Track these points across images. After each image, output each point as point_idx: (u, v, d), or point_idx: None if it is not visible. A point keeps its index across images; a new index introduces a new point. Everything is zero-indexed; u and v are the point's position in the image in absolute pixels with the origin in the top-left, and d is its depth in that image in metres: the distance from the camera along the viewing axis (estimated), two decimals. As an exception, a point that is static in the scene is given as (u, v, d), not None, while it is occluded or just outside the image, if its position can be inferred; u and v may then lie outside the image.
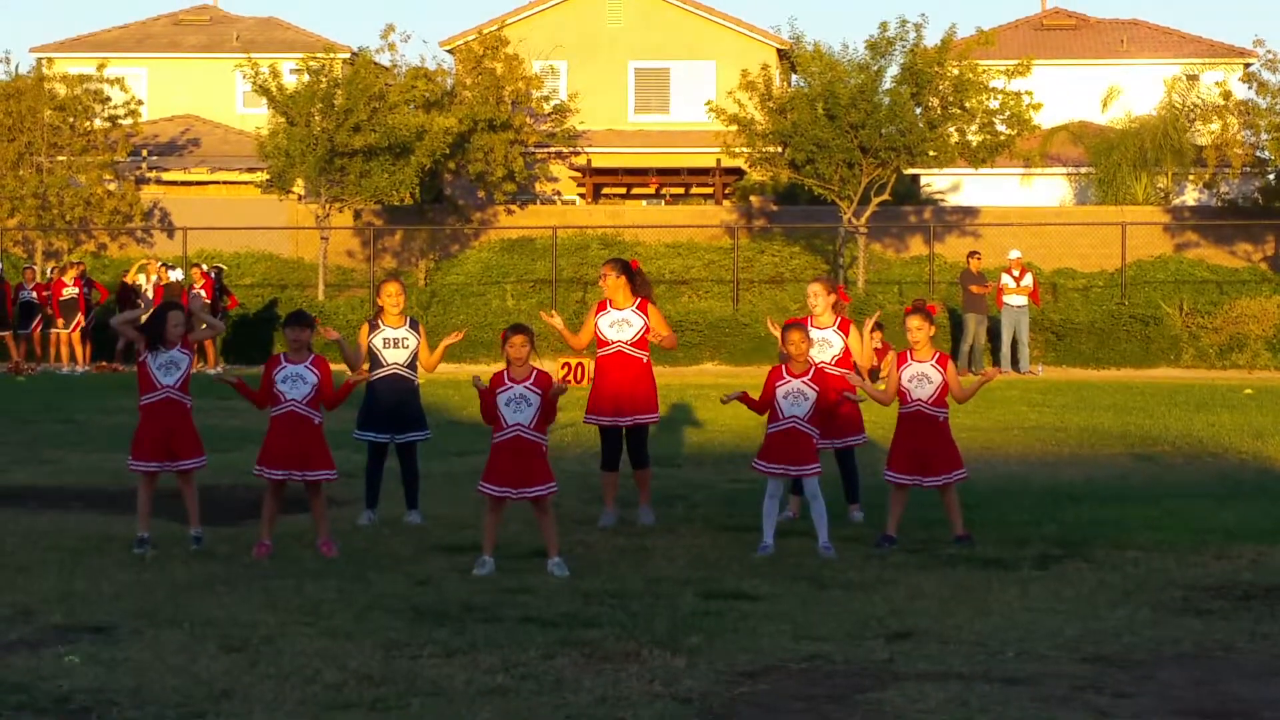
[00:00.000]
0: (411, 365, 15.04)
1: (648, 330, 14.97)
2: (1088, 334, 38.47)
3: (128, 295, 36.21)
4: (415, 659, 9.54)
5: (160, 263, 38.34)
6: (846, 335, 14.99)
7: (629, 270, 15.10)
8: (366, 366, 15.02)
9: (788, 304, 38.77)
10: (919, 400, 13.80)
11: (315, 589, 11.66)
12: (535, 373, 12.59)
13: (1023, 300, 36.60)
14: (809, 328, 14.44)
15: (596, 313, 15.08)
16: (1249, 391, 29.76)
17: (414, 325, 15.09)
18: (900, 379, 13.88)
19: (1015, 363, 36.50)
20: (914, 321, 13.99)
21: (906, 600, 11.39)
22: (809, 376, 13.41)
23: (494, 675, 9.16)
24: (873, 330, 32.48)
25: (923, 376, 13.81)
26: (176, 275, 36.89)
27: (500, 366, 12.72)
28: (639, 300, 15.01)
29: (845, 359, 14.89)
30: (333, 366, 14.02)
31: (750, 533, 13.80)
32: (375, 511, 15.06)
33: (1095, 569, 12.60)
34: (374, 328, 15.03)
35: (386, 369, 14.93)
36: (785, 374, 13.45)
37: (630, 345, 14.90)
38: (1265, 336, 37.64)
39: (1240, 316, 38.07)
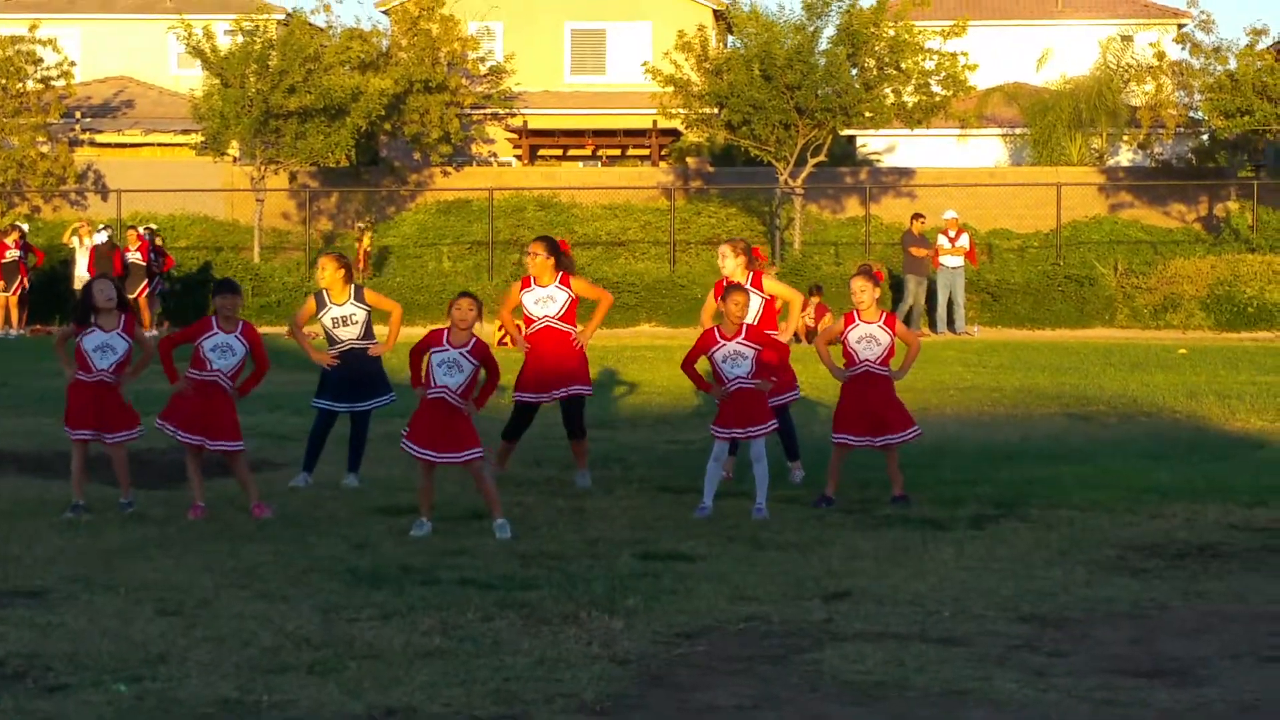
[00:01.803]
0: (366, 335, 14.96)
1: (574, 303, 15.01)
2: (1023, 294, 38.61)
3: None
4: (353, 621, 9.52)
5: (90, 225, 38.02)
6: (761, 290, 14.90)
7: (558, 251, 15.12)
8: (320, 337, 15.02)
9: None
10: (867, 360, 13.81)
11: (252, 552, 11.62)
12: (474, 341, 12.54)
13: (958, 261, 36.69)
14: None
15: (521, 289, 15.10)
16: (1183, 351, 29.94)
17: (359, 296, 14.99)
18: (848, 340, 13.87)
19: (951, 323, 36.61)
20: (858, 283, 13.98)
21: (843, 561, 11.43)
22: (743, 336, 13.38)
23: (432, 637, 9.15)
24: (811, 292, 32.88)
25: (870, 338, 13.82)
26: (101, 237, 36.53)
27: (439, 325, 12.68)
28: (561, 275, 15.03)
29: (766, 315, 14.81)
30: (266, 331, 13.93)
31: (687, 494, 13.81)
32: (311, 475, 15.01)
33: (1031, 528, 12.67)
34: (321, 304, 14.95)
35: (342, 345, 14.89)
36: (719, 337, 13.42)
37: (557, 320, 14.92)
38: (1199, 297, 37.84)
39: (1174, 277, 38.29)
